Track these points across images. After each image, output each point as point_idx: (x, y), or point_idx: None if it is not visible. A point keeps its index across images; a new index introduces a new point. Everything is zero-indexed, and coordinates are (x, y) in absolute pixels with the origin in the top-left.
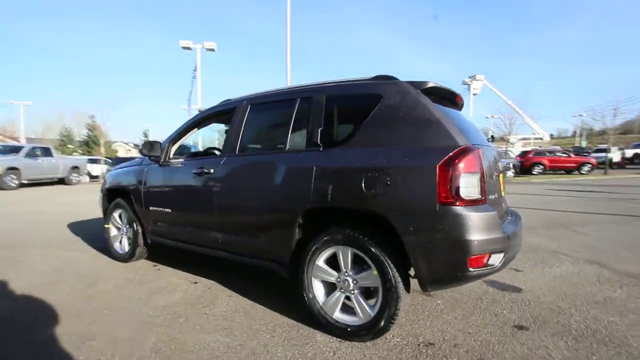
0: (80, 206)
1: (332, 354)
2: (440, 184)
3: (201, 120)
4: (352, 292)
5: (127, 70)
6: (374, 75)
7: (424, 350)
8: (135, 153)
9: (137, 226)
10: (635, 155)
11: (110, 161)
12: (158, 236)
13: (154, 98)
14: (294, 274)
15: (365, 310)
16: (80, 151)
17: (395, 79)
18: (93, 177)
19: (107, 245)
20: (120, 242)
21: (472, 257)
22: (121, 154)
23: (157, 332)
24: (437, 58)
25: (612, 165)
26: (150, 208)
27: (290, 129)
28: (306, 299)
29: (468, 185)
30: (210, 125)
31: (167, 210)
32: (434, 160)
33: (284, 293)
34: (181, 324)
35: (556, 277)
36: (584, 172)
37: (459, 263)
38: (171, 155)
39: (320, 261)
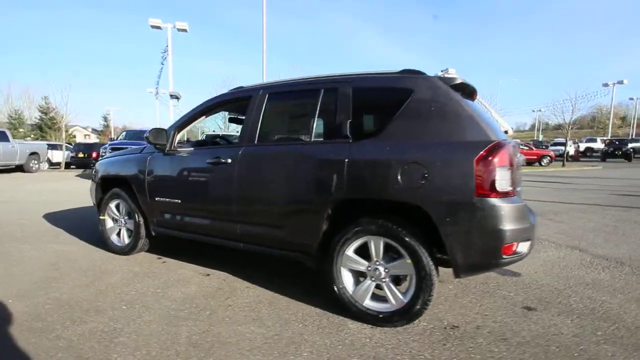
0: (50, 195)
1: (368, 340)
2: (477, 177)
3: (210, 108)
4: (383, 280)
5: (89, 53)
6: (399, 70)
7: (451, 333)
8: (95, 139)
9: (138, 217)
10: (588, 148)
11: (72, 146)
12: (164, 228)
13: (116, 81)
14: (320, 263)
15: (397, 297)
16: (33, 135)
17: (424, 73)
18: (53, 165)
19: (103, 238)
20: (119, 234)
21: (506, 245)
22: (79, 139)
23: (187, 326)
24: (408, 49)
25: (567, 157)
26: (156, 199)
27: (315, 120)
28: (336, 288)
29: (501, 178)
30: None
31: (176, 201)
32: (470, 154)
33: (300, 283)
34: (209, 317)
35: (546, 261)
36: (544, 164)
37: (494, 251)
38: (176, 144)
39: (350, 251)
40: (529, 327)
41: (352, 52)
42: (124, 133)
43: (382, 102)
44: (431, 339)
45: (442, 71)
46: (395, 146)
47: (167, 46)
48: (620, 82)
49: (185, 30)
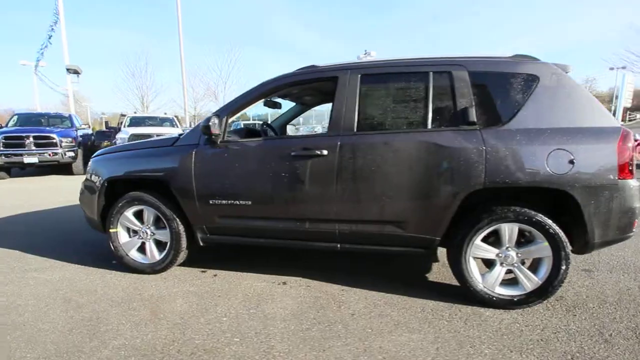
0: None
1: (518, 324)
2: (619, 160)
3: (274, 89)
4: (514, 265)
5: None
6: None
7: (565, 304)
8: None
9: (177, 226)
10: None
11: None
12: (220, 235)
13: None
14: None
15: (532, 278)
16: None
17: (537, 59)
18: None
19: (116, 255)
20: (142, 249)
21: (635, 221)
22: None
23: (339, 347)
24: (327, 33)
25: None
26: (211, 202)
27: (430, 106)
28: (466, 278)
29: (633, 160)
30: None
31: (244, 202)
32: (612, 139)
33: (397, 277)
34: (349, 332)
35: None
36: None
37: (628, 226)
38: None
39: (479, 240)
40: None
41: (269, 34)
42: (15, 117)
43: (505, 88)
44: (560, 311)
45: (364, 54)
46: (534, 133)
47: (56, 8)
48: None
49: None
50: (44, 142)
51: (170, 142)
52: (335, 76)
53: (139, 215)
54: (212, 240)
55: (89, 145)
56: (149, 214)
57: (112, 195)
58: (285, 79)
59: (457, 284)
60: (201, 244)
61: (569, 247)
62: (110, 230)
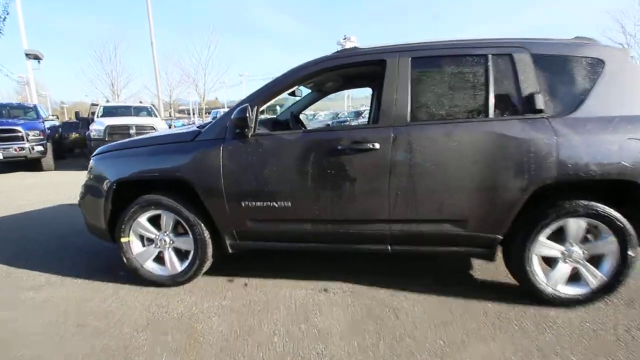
0: None
1: (583, 323)
2: None
3: (311, 75)
4: (579, 262)
5: None
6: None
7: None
8: None
9: (202, 232)
10: None
11: None
12: (251, 240)
13: None
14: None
15: (598, 275)
16: None
17: (595, 40)
18: None
19: (129, 268)
20: (159, 259)
21: None
22: None
23: None
24: (301, 19)
25: None
26: (243, 203)
27: (491, 92)
28: (529, 277)
29: None
30: None
31: (284, 203)
32: None
33: (441, 276)
34: (419, 346)
35: None
36: None
37: None
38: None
39: (543, 237)
40: None
41: (243, 20)
42: None
43: (571, 73)
44: (623, 308)
45: (343, 39)
46: (604, 122)
47: None
48: None
49: None
50: (7, 136)
51: (189, 137)
52: (383, 59)
53: (153, 221)
54: (242, 247)
55: (56, 138)
56: (167, 220)
57: (120, 198)
58: (325, 62)
59: (507, 281)
60: (230, 251)
61: (636, 242)
62: (122, 240)
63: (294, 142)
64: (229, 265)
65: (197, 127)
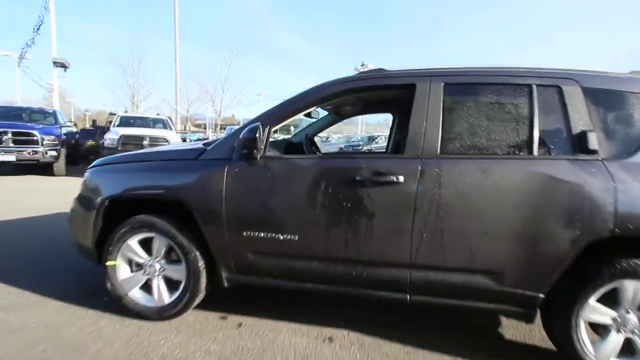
0: None
1: None
2: None
3: (332, 95)
4: (636, 332)
5: None
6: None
7: None
8: None
9: (197, 261)
10: None
11: None
12: (252, 275)
13: None
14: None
15: None
16: None
17: None
18: None
19: (113, 294)
20: (147, 287)
21: None
22: None
23: None
24: (320, 42)
25: None
26: (245, 233)
27: (535, 127)
28: (575, 347)
29: None
30: None
31: (290, 236)
32: None
33: (465, 334)
34: None
35: None
36: None
37: None
38: (269, 147)
39: (593, 300)
40: None
41: (262, 41)
42: None
43: (628, 111)
44: None
45: (361, 65)
46: None
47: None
48: None
49: None
50: (23, 139)
51: (193, 155)
52: (412, 83)
53: (144, 244)
54: (240, 281)
55: (72, 144)
56: (159, 244)
57: (112, 216)
58: (348, 83)
59: (539, 344)
60: (225, 284)
61: None
62: (108, 264)
63: (306, 168)
64: (224, 298)
65: (203, 144)
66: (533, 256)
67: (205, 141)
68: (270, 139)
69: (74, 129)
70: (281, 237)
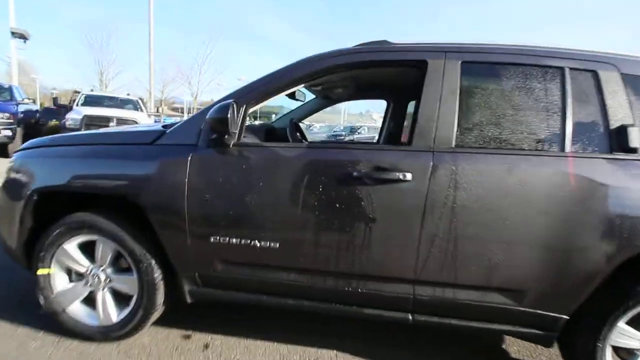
0: None
1: None
2: None
3: (323, 71)
4: None
5: None
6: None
7: None
8: None
9: (152, 271)
10: None
11: None
12: (222, 289)
13: None
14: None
15: None
16: None
17: None
18: None
19: (48, 310)
20: (89, 301)
21: None
22: None
23: None
24: (307, 31)
25: None
26: (213, 238)
27: (567, 118)
28: None
29: None
30: None
31: (270, 244)
32: None
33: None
34: None
35: None
36: None
37: None
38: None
39: (623, 322)
40: None
41: (242, 25)
42: None
43: None
44: None
45: None
46: None
47: None
48: None
49: None
50: None
51: (149, 139)
52: (423, 60)
53: (87, 248)
54: (206, 296)
55: (32, 124)
56: (104, 249)
57: (45, 212)
58: (345, 56)
59: None
60: (188, 300)
61: None
62: (40, 273)
63: (292, 160)
64: (188, 311)
65: (163, 126)
66: (561, 272)
67: (164, 123)
68: (247, 123)
69: (34, 107)
70: (258, 244)
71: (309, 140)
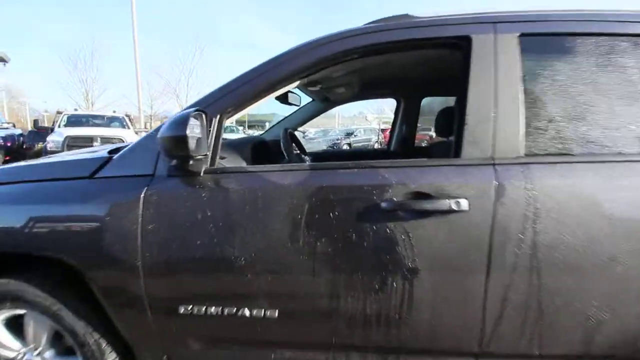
0: None
1: None
2: None
3: (316, 64)
4: None
5: None
6: None
7: None
8: None
9: (104, 353)
10: None
11: None
12: None
13: None
14: None
15: None
16: None
17: None
18: None
19: None
20: None
21: None
22: None
23: None
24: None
25: None
26: (182, 308)
27: None
28: None
29: None
30: None
31: (266, 311)
32: None
33: None
34: None
35: None
36: None
37: None
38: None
39: None
40: None
41: (228, 32)
42: None
43: None
44: None
45: None
46: None
47: None
48: None
49: None
50: None
51: (87, 171)
52: (465, 35)
53: (14, 325)
54: None
55: (15, 148)
56: (36, 328)
57: None
58: (357, 38)
59: None
60: None
61: None
62: None
63: (291, 190)
64: None
65: (109, 151)
66: None
67: (111, 147)
68: (223, 137)
69: (16, 131)
70: (247, 313)
71: (307, 152)
